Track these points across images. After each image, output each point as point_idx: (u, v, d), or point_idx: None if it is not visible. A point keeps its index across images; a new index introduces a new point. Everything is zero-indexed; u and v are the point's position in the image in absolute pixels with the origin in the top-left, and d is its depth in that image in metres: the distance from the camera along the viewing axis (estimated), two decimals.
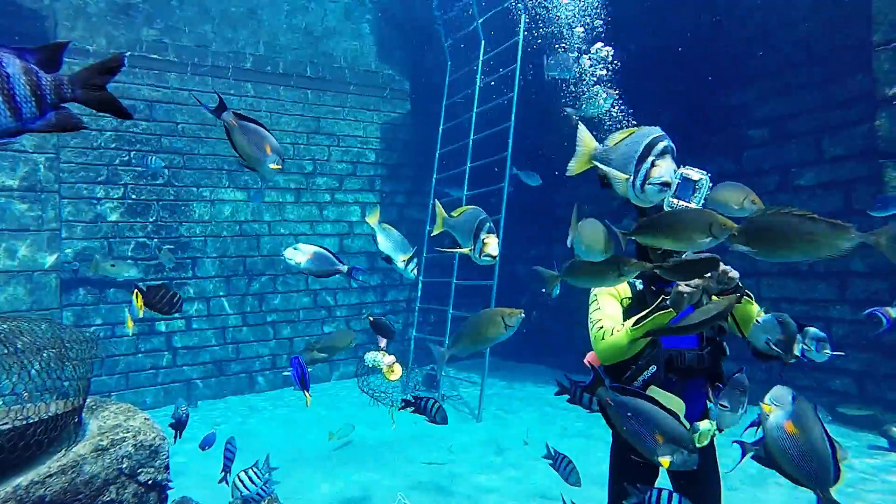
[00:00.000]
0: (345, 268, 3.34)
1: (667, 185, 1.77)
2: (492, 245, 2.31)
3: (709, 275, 1.78)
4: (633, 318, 2.00)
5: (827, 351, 2.21)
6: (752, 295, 2.03)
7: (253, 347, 8.25)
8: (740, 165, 6.82)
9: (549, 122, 8.33)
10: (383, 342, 4.10)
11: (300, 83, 8.84)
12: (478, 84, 7.76)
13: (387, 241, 3.08)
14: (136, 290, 3.52)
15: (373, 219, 3.12)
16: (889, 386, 5.48)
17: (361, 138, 9.33)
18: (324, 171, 8.98)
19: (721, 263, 1.77)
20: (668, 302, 1.87)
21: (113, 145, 7.40)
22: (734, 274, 1.82)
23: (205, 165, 8.03)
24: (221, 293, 8.05)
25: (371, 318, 4.08)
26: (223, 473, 3.32)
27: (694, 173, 1.84)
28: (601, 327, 2.09)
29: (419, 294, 8.28)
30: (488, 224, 2.38)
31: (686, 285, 1.80)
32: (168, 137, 7.78)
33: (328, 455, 5.35)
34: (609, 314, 2.13)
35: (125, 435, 2.49)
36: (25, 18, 6.94)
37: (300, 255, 3.19)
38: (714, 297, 1.81)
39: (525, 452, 5.28)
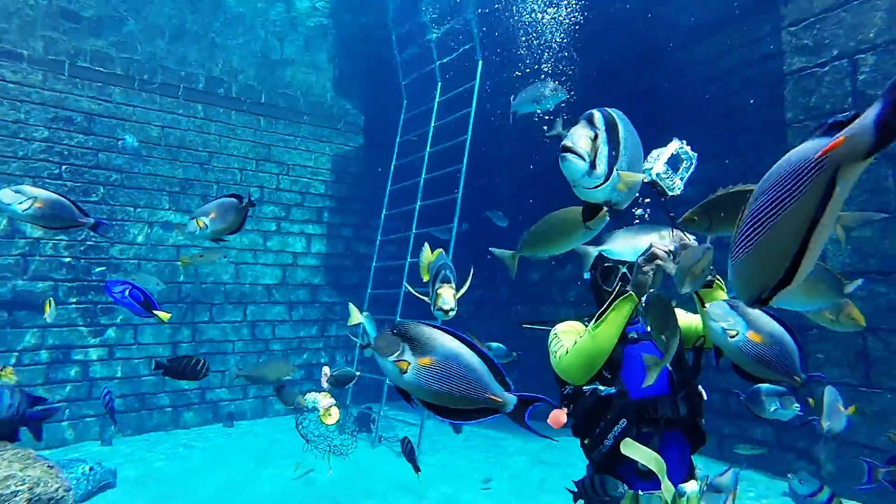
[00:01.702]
0: (90, 220, 2.82)
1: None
2: (444, 297, 2.10)
3: (667, 253, 1.66)
4: (593, 319, 1.85)
5: (796, 406, 2.19)
6: (721, 280, 1.86)
7: (179, 382, 7.74)
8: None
9: (500, 166, 8.58)
10: (325, 380, 3.97)
11: (253, 109, 8.70)
12: (432, 124, 7.90)
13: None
14: (156, 364, 3.29)
15: (355, 318, 3.00)
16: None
17: (312, 169, 9.23)
18: (271, 199, 8.77)
19: (684, 237, 1.68)
20: (627, 288, 1.77)
21: (42, 156, 6.95)
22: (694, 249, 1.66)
23: (144, 185, 7.66)
24: (152, 320, 7.56)
25: (332, 374, 3.93)
26: None
27: (677, 146, 1.76)
28: (562, 346, 1.92)
29: (360, 331, 8.12)
30: (443, 272, 2.19)
31: (645, 264, 1.67)
32: (106, 153, 7.40)
33: None
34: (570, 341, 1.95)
35: (18, 488, 2.22)
36: None
37: (24, 198, 2.45)
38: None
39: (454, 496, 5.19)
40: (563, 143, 1.35)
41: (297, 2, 8.88)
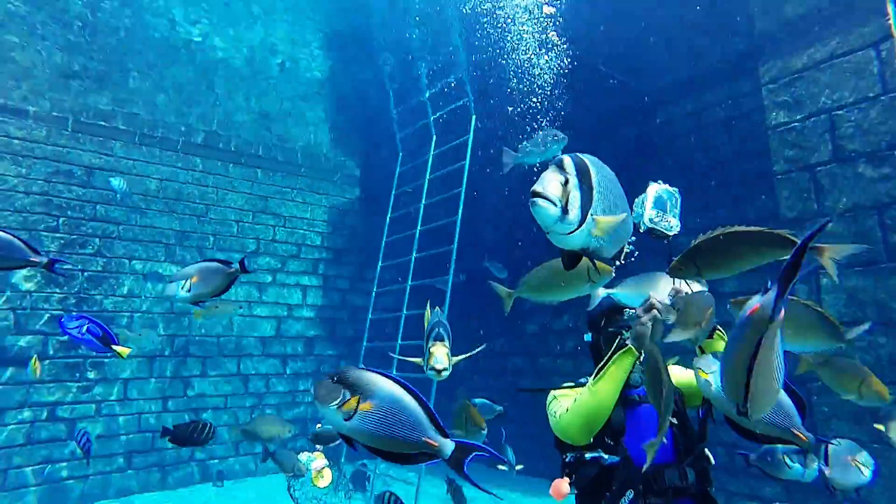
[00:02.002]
0: (43, 259, 2.36)
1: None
2: (436, 356, 2.03)
3: (665, 303, 1.64)
4: (592, 375, 1.79)
5: (815, 465, 2.03)
6: (723, 331, 1.81)
7: None
8: None
9: (495, 217, 8.69)
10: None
11: (251, 161, 8.85)
12: (427, 177, 8.05)
13: None
14: (163, 431, 3.23)
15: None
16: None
17: (308, 220, 9.31)
18: (267, 250, 8.80)
19: (677, 285, 1.67)
20: (626, 340, 1.72)
21: (39, 209, 6.98)
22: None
23: (141, 237, 7.68)
24: (143, 374, 7.42)
25: (315, 433, 3.84)
26: None
27: (657, 188, 1.77)
28: (560, 406, 1.86)
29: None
30: (436, 331, 2.12)
31: (644, 316, 1.63)
32: (104, 206, 7.45)
33: None
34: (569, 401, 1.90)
35: None
36: None
37: None
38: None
39: None
40: (532, 188, 1.31)
41: (297, 58, 9.22)
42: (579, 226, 1.34)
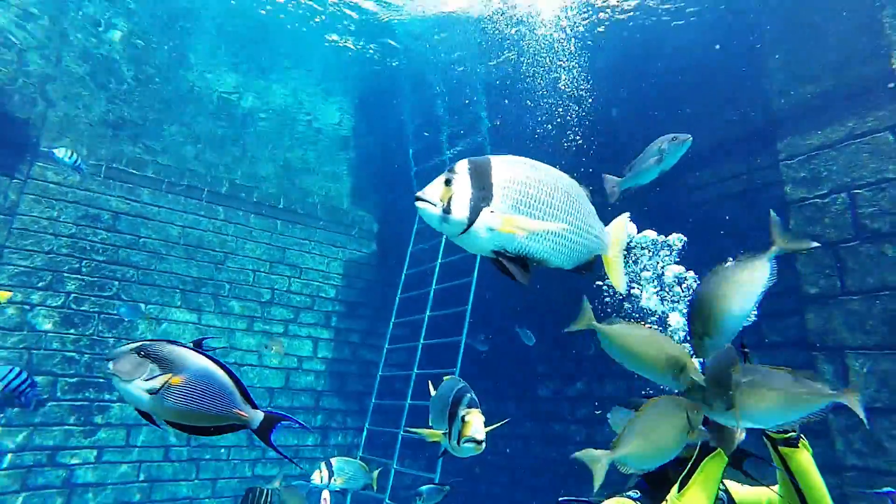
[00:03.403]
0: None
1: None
2: (475, 425, 1.78)
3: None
4: (675, 485, 1.58)
5: None
6: (805, 440, 1.67)
7: (167, 488, 7.31)
8: None
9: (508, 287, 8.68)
10: (326, 496, 3.74)
11: (271, 213, 9.04)
12: (444, 237, 8.13)
13: None
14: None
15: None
16: None
17: (324, 273, 9.38)
18: (281, 301, 8.83)
19: None
20: (711, 444, 1.58)
21: (65, 251, 7.13)
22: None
23: (158, 282, 7.77)
24: (145, 421, 7.28)
25: None
26: None
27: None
28: None
29: (363, 442, 7.78)
30: (469, 396, 1.89)
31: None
32: (126, 250, 7.59)
33: None
34: None
35: None
36: (13, 125, 7.00)
37: None
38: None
39: None
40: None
41: (322, 116, 9.58)
42: (469, 224, 1.29)
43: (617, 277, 1.42)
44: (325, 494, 4.23)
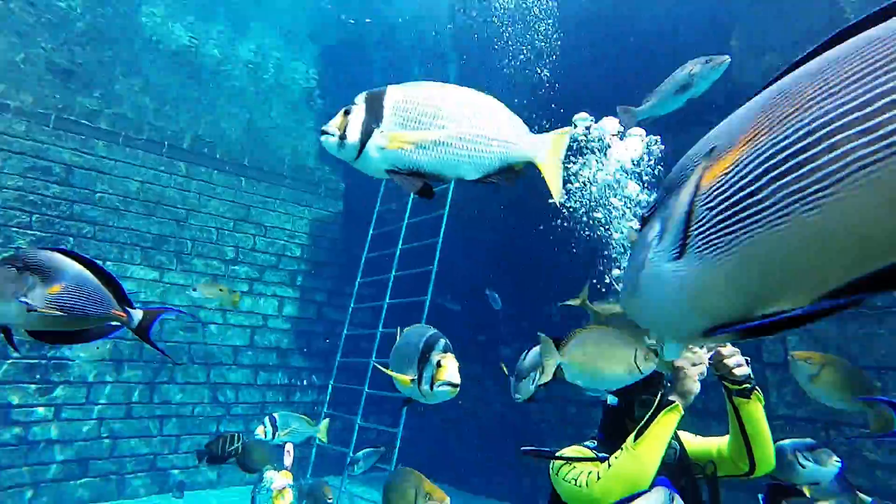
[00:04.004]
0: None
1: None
2: (449, 369, 1.74)
3: (706, 359, 1.64)
4: (631, 435, 1.62)
5: (836, 460, 1.84)
6: (760, 392, 1.75)
7: (130, 444, 7.32)
8: None
9: (475, 248, 8.76)
10: (289, 460, 3.81)
11: (235, 169, 8.82)
12: (411, 196, 8.10)
13: None
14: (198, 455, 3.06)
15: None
16: None
17: (289, 231, 9.27)
18: (245, 259, 8.72)
19: (727, 355, 1.67)
20: (669, 398, 1.63)
21: (14, 205, 6.84)
22: (740, 371, 1.68)
23: (117, 239, 7.55)
24: (108, 379, 7.23)
25: None
26: None
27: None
28: (586, 473, 1.64)
29: (327, 398, 7.91)
30: (444, 342, 1.85)
31: (695, 375, 1.62)
32: (81, 205, 7.32)
33: None
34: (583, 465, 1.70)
35: None
36: None
37: None
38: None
39: None
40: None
41: (288, 69, 9.27)
42: (363, 147, 1.35)
43: (552, 184, 1.39)
44: (289, 447, 4.32)
